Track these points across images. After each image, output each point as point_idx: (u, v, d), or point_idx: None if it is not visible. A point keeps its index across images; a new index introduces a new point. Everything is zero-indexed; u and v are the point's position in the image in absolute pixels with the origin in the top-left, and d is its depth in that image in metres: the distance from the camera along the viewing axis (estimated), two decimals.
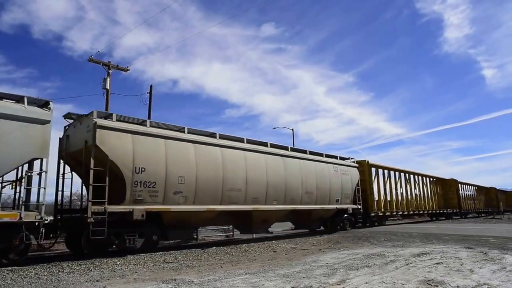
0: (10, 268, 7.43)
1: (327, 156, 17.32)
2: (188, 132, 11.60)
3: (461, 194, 35.22)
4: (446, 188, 33.42)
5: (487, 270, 6.34)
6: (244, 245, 12.11)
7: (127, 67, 21.72)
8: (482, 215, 41.68)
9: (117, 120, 10.18)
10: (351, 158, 19.14)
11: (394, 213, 23.42)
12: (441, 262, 7.27)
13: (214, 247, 11.35)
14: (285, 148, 15.07)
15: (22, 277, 6.65)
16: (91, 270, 7.34)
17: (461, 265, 6.93)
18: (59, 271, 7.22)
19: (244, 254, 9.91)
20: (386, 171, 23.25)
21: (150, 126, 10.71)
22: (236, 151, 12.58)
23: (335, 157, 17.97)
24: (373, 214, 20.26)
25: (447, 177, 34.35)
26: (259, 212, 12.92)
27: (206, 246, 11.89)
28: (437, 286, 5.19)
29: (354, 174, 18.40)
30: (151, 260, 8.71)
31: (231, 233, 17.41)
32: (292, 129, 35.60)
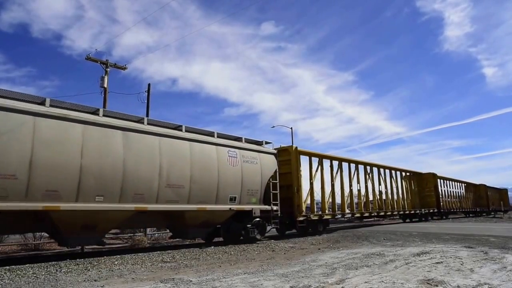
0: (7, 267, 7.39)
1: (221, 136, 12.43)
2: None
3: (441, 191, 30.34)
4: (423, 184, 28.48)
5: (488, 270, 6.31)
6: (242, 244, 12.07)
7: (125, 65, 21.67)
8: (471, 215, 37.81)
9: None
10: (268, 142, 14.41)
11: (339, 216, 18.53)
12: (441, 262, 7.23)
13: (213, 246, 11.32)
14: (135, 120, 10.41)
15: (20, 276, 6.61)
16: (89, 270, 7.30)
17: (462, 264, 6.89)
18: (56, 270, 7.18)
19: (243, 253, 9.88)
20: (335, 163, 18.26)
21: None
22: (14, 116, 7.90)
23: (237, 138, 13.19)
24: (301, 219, 15.13)
25: (432, 172, 29.65)
26: (65, 213, 8.46)
27: (205, 245, 11.86)
28: (437, 285, 5.16)
29: (269, 164, 13.59)
30: (149, 259, 8.67)
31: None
32: (291, 128, 35.69)
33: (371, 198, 21.02)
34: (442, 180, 31.11)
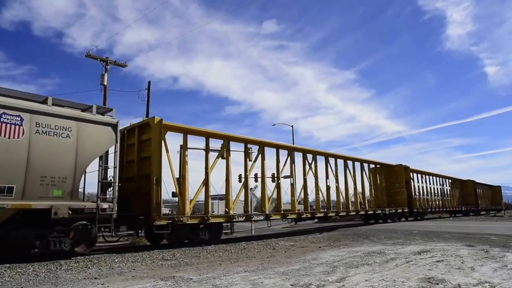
0: (8, 265, 7.40)
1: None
2: None
3: (416, 188, 26.36)
4: (392, 179, 23.95)
5: (488, 268, 6.29)
6: (243, 242, 12.07)
7: (125, 62, 21.67)
8: (458, 215, 33.78)
9: None
10: (107, 109, 10.38)
11: (242, 219, 13.49)
12: (442, 260, 7.22)
13: (213, 245, 11.32)
14: None
15: (20, 274, 6.62)
16: (89, 268, 7.31)
17: (462, 263, 6.88)
18: (57, 268, 7.19)
19: (243, 251, 9.88)
20: (254, 148, 14.36)
21: None
22: None
23: (45, 101, 9.09)
24: (162, 223, 10.69)
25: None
26: None
27: (205, 243, 11.86)
28: (437, 284, 5.14)
29: (97, 139, 9.60)
30: (149, 257, 8.68)
31: (230, 231, 17.35)
32: (292, 126, 35.43)
33: (312, 195, 17.04)
34: (417, 175, 27.24)
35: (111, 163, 10.13)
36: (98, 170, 9.81)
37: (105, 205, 9.52)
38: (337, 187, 18.63)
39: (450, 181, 33.88)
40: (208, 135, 12.87)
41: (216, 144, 13.37)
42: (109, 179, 10.05)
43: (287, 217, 16.08)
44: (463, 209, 35.07)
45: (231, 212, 12.96)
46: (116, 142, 10.01)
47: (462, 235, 12.73)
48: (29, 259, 8.20)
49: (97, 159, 9.86)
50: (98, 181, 9.72)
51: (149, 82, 21.85)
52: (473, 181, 38.59)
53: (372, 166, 22.76)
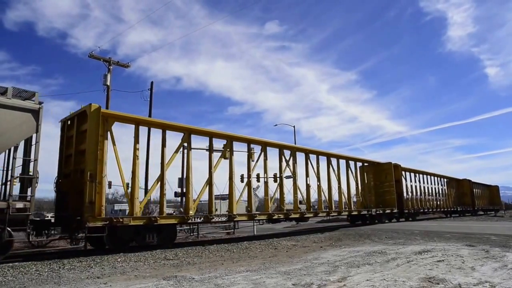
0: (11, 264, 7.45)
1: None
2: None
3: (408, 187, 25.30)
4: (381, 177, 22.88)
5: (489, 268, 6.32)
6: (245, 242, 12.11)
7: (128, 63, 21.73)
8: (453, 215, 32.57)
9: None
10: (28, 93, 9.09)
11: (199, 220, 12.25)
12: (443, 260, 7.25)
13: (215, 244, 11.37)
14: None
15: (23, 273, 6.66)
16: (92, 267, 7.35)
17: (463, 262, 6.91)
18: (59, 267, 7.24)
19: (245, 251, 9.92)
20: (219, 143, 13.28)
21: None
22: None
23: None
24: (97, 225, 9.47)
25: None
26: None
27: (207, 243, 11.91)
28: (438, 283, 5.18)
29: (11, 127, 8.42)
30: (151, 257, 8.73)
31: (232, 231, 17.36)
32: (294, 126, 35.45)
33: (289, 195, 16.13)
34: (409, 173, 26.05)
35: (36, 156, 8.83)
36: (16, 164, 8.55)
37: (19, 205, 8.18)
38: (319, 186, 17.47)
39: (445, 180, 32.75)
40: (164, 127, 11.60)
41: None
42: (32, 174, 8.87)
43: (256, 218, 14.69)
44: (459, 209, 33.89)
45: (191, 212, 11.74)
46: (37, 131, 8.74)
47: (463, 235, 12.76)
48: (31, 259, 8.25)
49: (21, 151, 8.80)
50: (12, 176, 8.45)
51: (152, 83, 21.99)
52: (469, 181, 37.29)
53: (360, 164, 21.69)
